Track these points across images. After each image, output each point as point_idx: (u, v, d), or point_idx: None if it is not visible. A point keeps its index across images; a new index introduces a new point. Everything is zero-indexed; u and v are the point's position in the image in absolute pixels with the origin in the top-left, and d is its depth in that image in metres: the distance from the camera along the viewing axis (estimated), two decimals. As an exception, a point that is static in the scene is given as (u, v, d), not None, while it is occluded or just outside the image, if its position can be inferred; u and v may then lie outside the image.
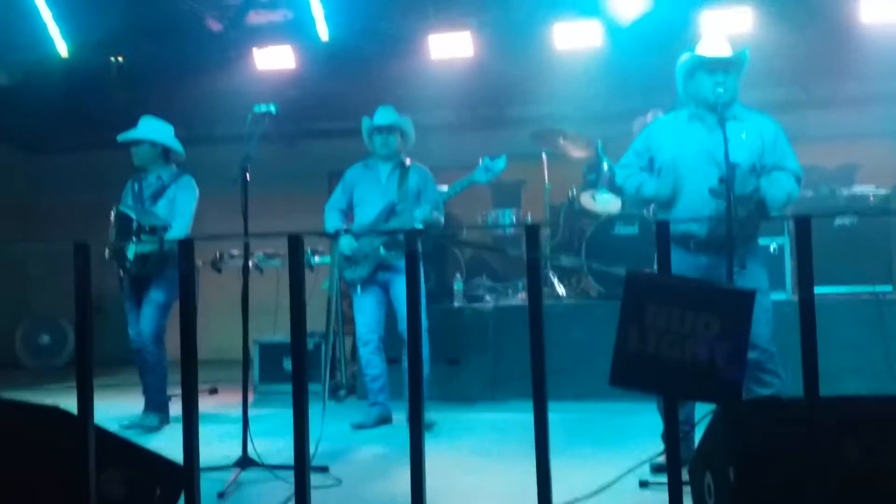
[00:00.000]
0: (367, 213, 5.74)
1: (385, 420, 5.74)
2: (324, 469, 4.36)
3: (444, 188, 5.90)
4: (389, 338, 5.83)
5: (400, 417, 5.55)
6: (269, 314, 6.04)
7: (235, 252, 6.54)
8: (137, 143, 5.91)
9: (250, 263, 5.17)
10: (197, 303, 5.89)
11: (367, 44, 7.97)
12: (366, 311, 5.73)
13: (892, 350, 6.03)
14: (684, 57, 4.28)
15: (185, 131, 9.81)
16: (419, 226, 5.50)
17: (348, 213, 5.86)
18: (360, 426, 5.65)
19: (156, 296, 5.75)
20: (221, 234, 5.88)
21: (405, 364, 5.47)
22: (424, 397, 5.30)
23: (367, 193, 5.78)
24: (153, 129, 5.95)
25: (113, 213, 5.79)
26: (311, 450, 3.23)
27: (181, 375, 3.39)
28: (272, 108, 4.75)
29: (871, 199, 6.59)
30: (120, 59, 8.41)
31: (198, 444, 3.23)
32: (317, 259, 6.62)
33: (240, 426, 4.47)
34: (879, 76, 8.40)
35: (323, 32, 7.68)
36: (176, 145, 5.98)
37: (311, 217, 9.37)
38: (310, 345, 6.66)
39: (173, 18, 8.14)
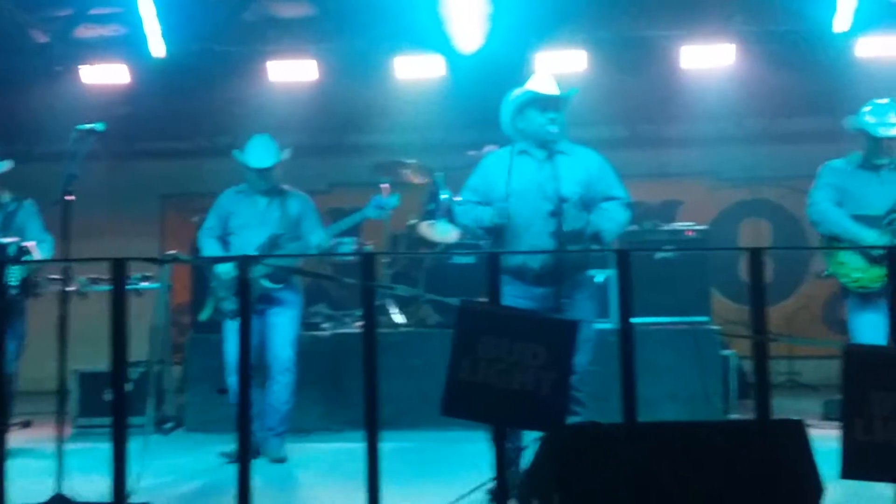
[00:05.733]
0: (245, 244, 5.43)
1: (254, 452, 5.23)
2: (145, 505, 4.15)
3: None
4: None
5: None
6: (92, 343, 5.72)
7: (56, 276, 6.17)
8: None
9: (73, 288, 4.94)
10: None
11: (205, 63, 7.80)
12: (236, 340, 5.43)
13: (707, 377, 6.39)
14: (517, 92, 4.42)
15: (4, 147, 9.27)
16: (314, 252, 5.41)
17: (225, 239, 5.58)
18: (231, 457, 5.11)
19: (20, 328, 5.58)
20: (40, 259, 5.63)
21: (271, 393, 5.46)
22: (286, 427, 5.49)
23: (246, 222, 5.51)
24: None
25: None
26: (132, 485, 3.09)
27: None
28: (98, 127, 4.52)
29: (690, 233, 6.98)
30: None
31: (3, 480, 3.03)
32: (145, 284, 6.35)
33: (55, 462, 4.19)
34: (699, 119, 8.99)
35: (157, 50, 7.44)
36: (4, 165, 5.73)
37: (142, 240, 9.07)
38: (134, 374, 6.36)
39: (-7, 28, 7.69)
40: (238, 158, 5.54)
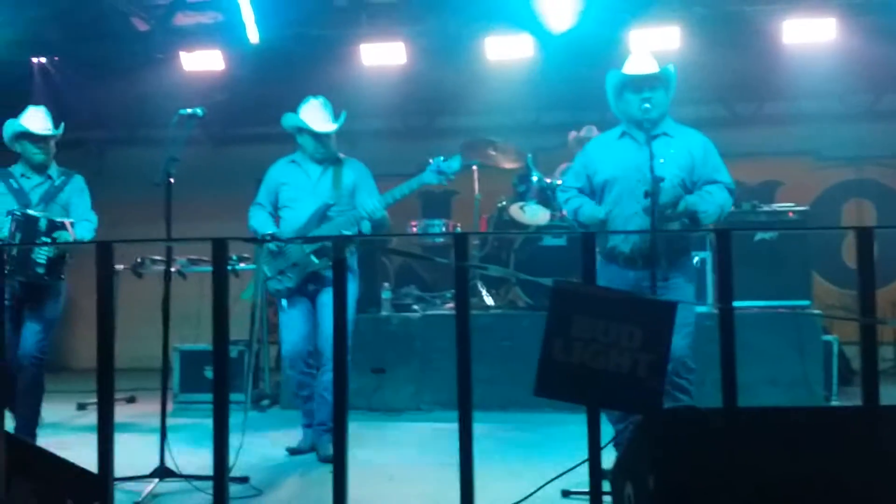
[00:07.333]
0: (296, 217, 5.06)
1: (309, 448, 5.15)
2: (244, 480, 4.27)
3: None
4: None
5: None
6: (192, 321, 5.90)
7: (157, 257, 6.38)
8: (45, 138, 5.06)
9: (173, 269, 4.97)
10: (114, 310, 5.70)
11: (299, 48, 7.92)
12: (293, 328, 5.10)
13: (808, 363, 6.20)
14: (610, 75, 4.34)
15: (108, 132, 9.65)
16: (366, 219, 4.89)
17: (275, 214, 5.19)
18: (296, 451, 5.11)
19: (50, 311, 5.01)
20: (142, 238, 5.80)
21: (320, 383, 4.99)
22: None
23: (297, 194, 5.09)
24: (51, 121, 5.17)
25: (13, 220, 4.83)
26: (231, 459, 3.17)
27: (97, 383, 3.29)
28: (199, 112, 4.63)
29: (791, 215, 6.77)
30: (42, 60, 8.19)
31: (112, 453, 3.14)
32: (242, 265, 6.51)
33: (158, 436, 4.35)
34: (800, 96, 8.68)
35: (253, 36, 7.59)
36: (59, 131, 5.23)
37: (238, 222, 9.22)
38: (233, 353, 6.54)
39: (98, 17, 7.99)
40: (294, 122, 5.09)
